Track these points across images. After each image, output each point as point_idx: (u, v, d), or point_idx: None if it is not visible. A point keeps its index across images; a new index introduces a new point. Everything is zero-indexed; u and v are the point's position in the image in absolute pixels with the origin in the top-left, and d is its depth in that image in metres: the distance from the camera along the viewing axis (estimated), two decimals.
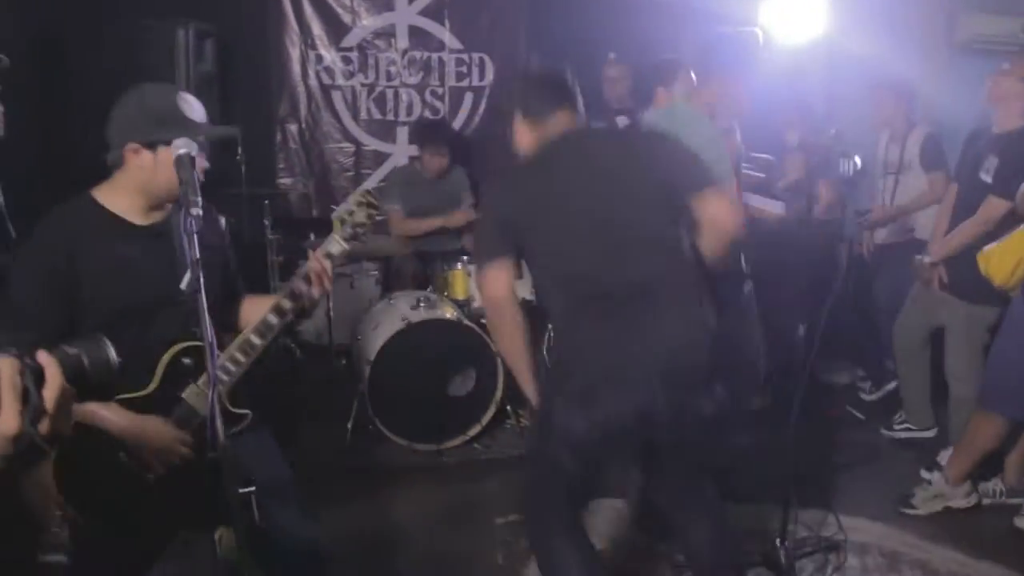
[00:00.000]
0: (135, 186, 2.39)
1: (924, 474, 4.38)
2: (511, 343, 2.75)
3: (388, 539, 3.95)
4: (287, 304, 2.53)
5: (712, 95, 4.26)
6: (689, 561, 3.18)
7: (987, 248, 4.14)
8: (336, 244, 2.60)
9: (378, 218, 2.66)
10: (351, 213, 2.61)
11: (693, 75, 4.68)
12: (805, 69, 6.23)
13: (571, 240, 2.68)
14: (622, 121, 5.48)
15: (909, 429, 5.02)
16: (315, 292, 2.55)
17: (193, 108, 2.41)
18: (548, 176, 2.75)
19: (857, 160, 3.82)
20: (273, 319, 2.51)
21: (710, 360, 2.66)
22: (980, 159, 4.22)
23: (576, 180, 2.71)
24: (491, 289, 2.69)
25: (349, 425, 4.73)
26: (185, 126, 2.34)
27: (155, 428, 2.35)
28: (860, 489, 4.44)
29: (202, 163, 2.30)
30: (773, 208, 4.00)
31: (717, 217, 2.69)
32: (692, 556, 3.13)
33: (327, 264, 2.56)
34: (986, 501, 4.24)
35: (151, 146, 2.31)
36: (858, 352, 6.00)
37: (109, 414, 2.30)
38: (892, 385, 5.71)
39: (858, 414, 5.45)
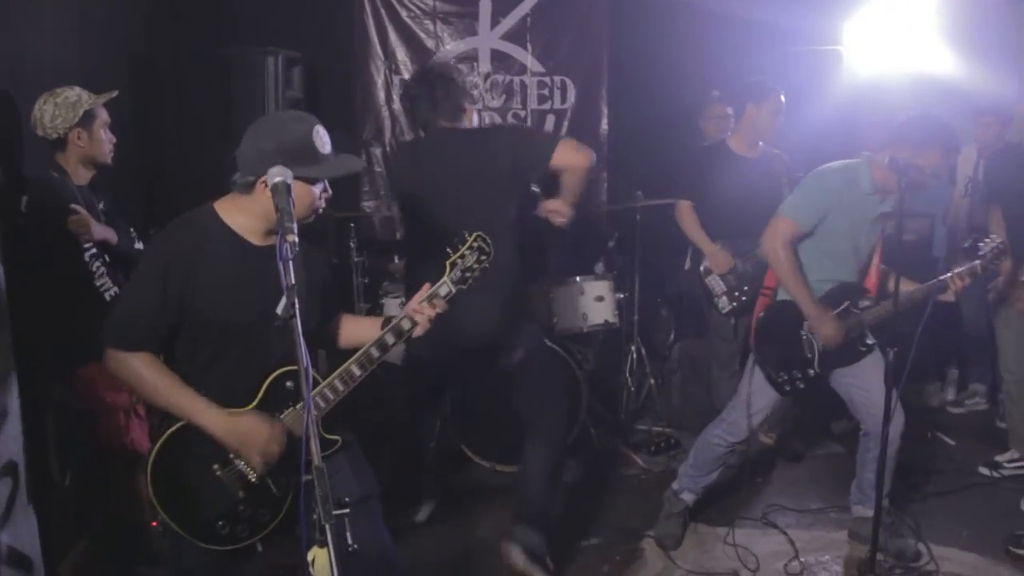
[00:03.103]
0: (260, 212, 2.45)
1: None
2: None
3: (468, 560, 3.98)
4: (391, 340, 2.59)
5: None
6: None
7: None
8: (445, 287, 2.64)
9: (487, 265, 2.69)
10: (462, 257, 2.64)
11: (783, 97, 4.69)
12: (889, 90, 6.12)
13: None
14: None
15: (1021, 467, 4.79)
16: (418, 332, 2.62)
17: (325, 143, 2.44)
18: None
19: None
20: (376, 353, 2.57)
21: (512, 332, 3.66)
22: None
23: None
24: None
25: (432, 446, 4.77)
26: (318, 162, 2.40)
27: (252, 424, 2.42)
28: (951, 518, 4.33)
29: (326, 195, 2.50)
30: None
31: (570, 162, 3.55)
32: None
33: (430, 311, 2.60)
34: None
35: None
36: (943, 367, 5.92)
37: (209, 415, 2.38)
38: (977, 402, 5.69)
39: (948, 439, 5.32)
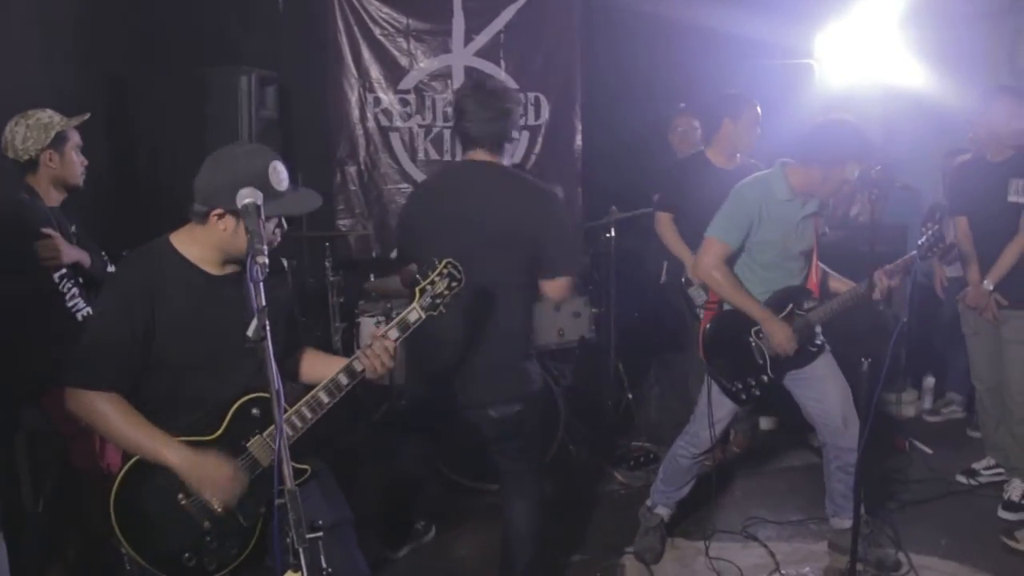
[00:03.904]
0: (214, 244, 2.44)
1: (1005, 515, 4.39)
2: None
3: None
4: (359, 367, 2.55)
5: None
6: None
7: None
8: (415, 313, 2.61)
9: (457, 291, 2.64)
10: (432, 283, 2.61)
11: (759, 109, 4.74)
12: (860, 99, 6.18)
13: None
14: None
15: (999, 474, 4.80)
16: (378, 372, 2.56)
17: (282, 179, 2.41)
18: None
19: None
20: (344, 379, 2.53)
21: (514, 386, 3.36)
22: (1002, 184, 4.27)
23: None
24: None
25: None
26: (273, 198, 2.37)
27: (214, 463, 2.37)
28: (930, 526, 4.35)
29: (280, 229, 2.47)
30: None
31: (551, 293, 3.42)
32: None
33: (388, 345, 2.56)
34: None
35: (236, 214, 2.33)
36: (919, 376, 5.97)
37: (170, 452, 2.34)
38: (953, 411, 5.79)
39: (925, 448, 5.34)
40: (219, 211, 2.36)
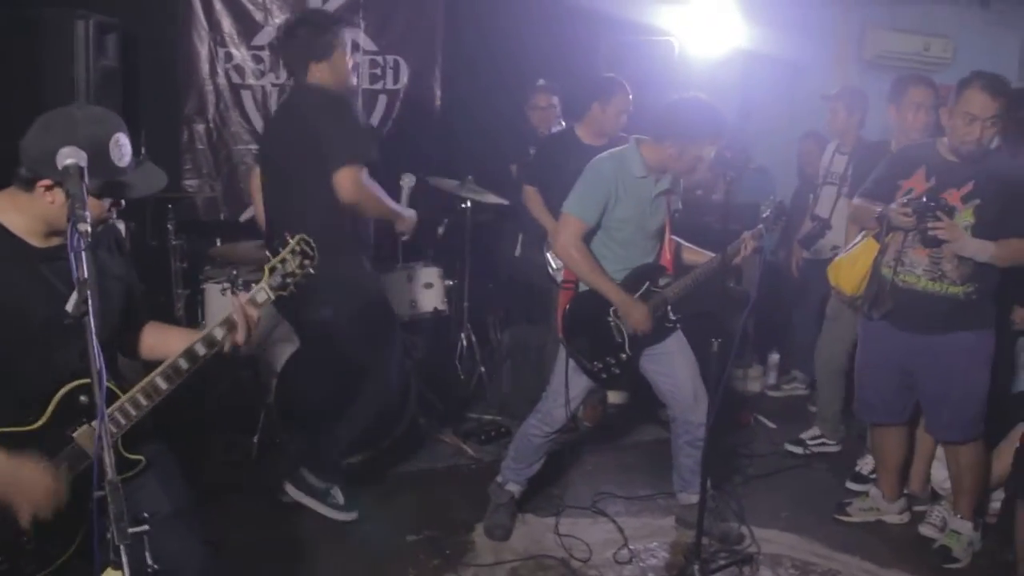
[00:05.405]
0: (38, 215, 2.20)
1: (852, 485, 4.57)
2: None
3: (292, 556, 3.82)
4: (202, 350, 2.36)
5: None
6: None
7: (836, 259, 4.27)
8: (263, 293, 2.44)
9: (310, 269, 2.49)
10: (283, 261, 2.45)
11: (631, 96, 4.74)
12: (720, 80, 6.27)
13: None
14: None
15: (825, 444, 5.07)
16: (238, 341, 2.40)
17: (124, 154, 2.20)
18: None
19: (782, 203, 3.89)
20: (184, 364, 2.34)
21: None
22: None
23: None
24: None
25: (255, 439, 4.58)
26: (111, 175, 2.17)
27: (31, 474, 2.13)
28: (772, 499, 4.49)
29: (117, 207, 2.27)
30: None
31: (339, 188, 3.62)
32: None
33: (252, 313, 2.41)
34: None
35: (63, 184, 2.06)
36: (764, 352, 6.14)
37: None
38: (795, 387, 6.04)
39: (769, 423, 5.51)
40: (47, 182, 2.12)
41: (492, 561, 3.85)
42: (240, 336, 2.41)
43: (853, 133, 5.24)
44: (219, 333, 2.39)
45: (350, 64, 3.93)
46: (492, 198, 5.36)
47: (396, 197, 4.12)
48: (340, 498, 4.08)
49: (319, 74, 3.85)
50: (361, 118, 3.85)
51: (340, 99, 3.81)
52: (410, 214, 4.12)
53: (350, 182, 3.63)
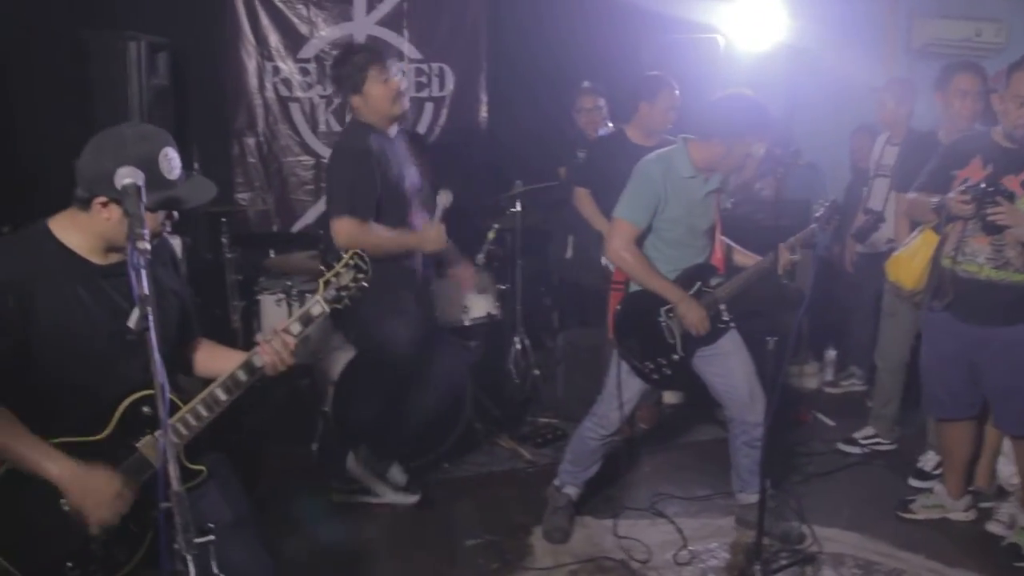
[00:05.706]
0: (97, 232, 2.25)
1: (914, 482, 4.49)
2: None
3: (356, 563, 3.85)
4: (258, 363, 2.42)
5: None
6: None
7: (895, 254, 4.18)
8: (318, 306, 2.48)
9: (364, 283, 2.52)
10: (337, 275, 2.48)
11: (677, 92, 4.72)
12: (766, 76, 6.21)
13: None
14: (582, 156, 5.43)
15: (879, 443, 4.99)
16: (277, 369, 2.44)
17: (173, 167, 2.25)
18: None
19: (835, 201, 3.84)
20: (243, 376, 2.40)
21: None
22: None
23: None
24: None
25: (314, 447, 4.63)
26: (163, 188, 2.21)
27: (100, 479, 2.20)
28: (832, 498, 4.43)
29: (171, 220, 2.31)
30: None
31: (334, 237, 3.73)
32: None
33: (289, 340, 2.44)
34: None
35: (121, 203, 2.09)
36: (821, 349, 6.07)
37: (52, 464, 2.16)
38: (853, 383, 5.94)
39: (828, 420, 5.44)
40: (103, 199, 2.18)
41: (551, 564, 3.85)
42: (270, 368, 2.43)
43: (903, 124, 5.14)
44: (257, 361, 2.43)
45: (391, 90, 3.85)
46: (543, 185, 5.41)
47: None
48: (400, 478, 4.19)
49: (358, 107, 3.91)
50: (369, 170, 3.77)
51: (345, 150, 3.89)
52: (432, 236, 4.00)
53: (341, 235, 3.72)
